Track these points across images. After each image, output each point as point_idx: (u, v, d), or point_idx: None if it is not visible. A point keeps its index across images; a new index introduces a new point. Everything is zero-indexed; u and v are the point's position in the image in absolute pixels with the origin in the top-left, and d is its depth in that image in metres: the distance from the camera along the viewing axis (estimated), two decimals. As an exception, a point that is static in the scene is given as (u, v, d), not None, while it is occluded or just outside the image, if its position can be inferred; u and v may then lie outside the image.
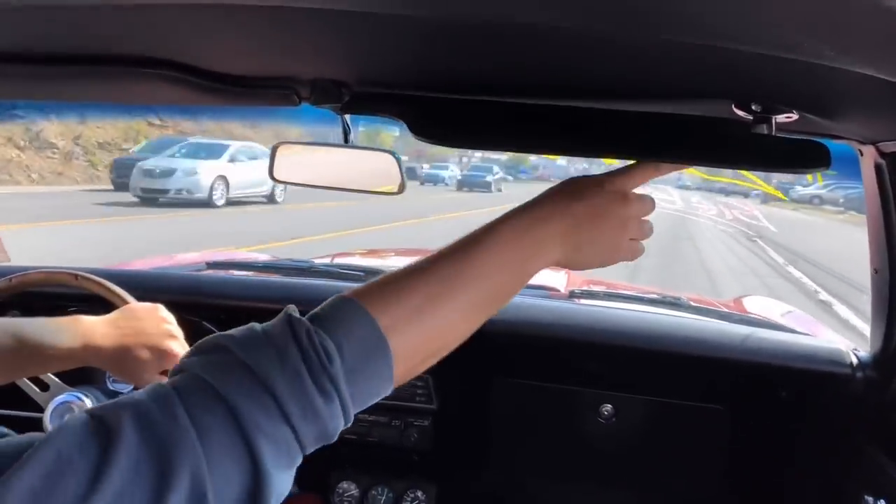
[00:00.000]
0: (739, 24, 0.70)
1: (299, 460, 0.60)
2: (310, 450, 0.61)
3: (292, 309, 0.66)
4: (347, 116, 1.40)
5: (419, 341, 0.69)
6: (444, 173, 32.07)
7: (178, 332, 1.25)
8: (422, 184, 28.93)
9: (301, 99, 1.34)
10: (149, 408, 0.54)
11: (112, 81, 1.25)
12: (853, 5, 0.62)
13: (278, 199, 15.89)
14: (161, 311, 1.25)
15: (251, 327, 0.64)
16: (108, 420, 0.53)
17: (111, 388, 1.84)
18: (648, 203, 0.90)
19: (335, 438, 0.63)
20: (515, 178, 37.44)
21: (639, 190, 0.95)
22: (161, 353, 1.20)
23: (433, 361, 0.73)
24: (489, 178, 29.57)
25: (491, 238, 0.74)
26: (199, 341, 0.64)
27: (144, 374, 1.20)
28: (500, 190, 28.61)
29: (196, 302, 1.83)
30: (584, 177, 0.87)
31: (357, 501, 1.87)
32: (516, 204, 0.82)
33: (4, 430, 0.59)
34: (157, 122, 18.06)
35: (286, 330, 0.61)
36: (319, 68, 1.29)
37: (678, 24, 0.72)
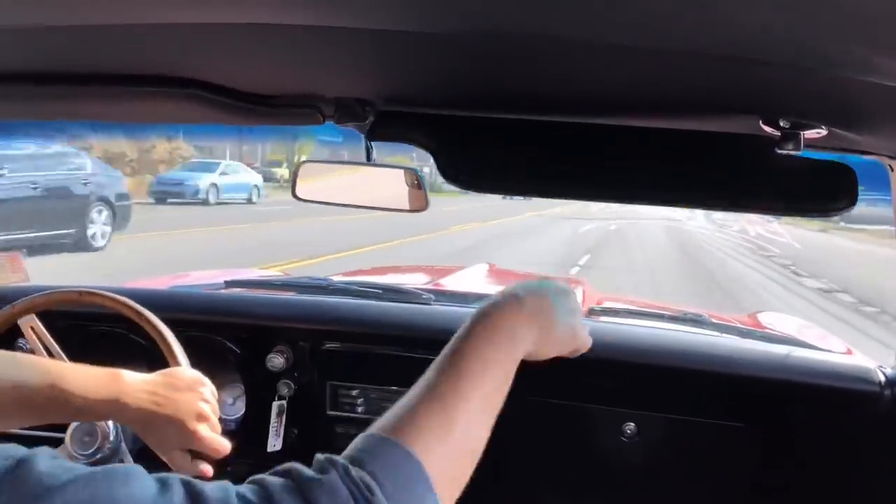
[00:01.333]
0: (771, 37, 0.70)
1: None
2: None
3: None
4: None
5: (451, 461, 0.73)
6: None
7: (214, 411, 1.20)
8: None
9: (325, 118, 1.35)
10: None
11: (138, 100, 1.25)
12: (888, 17, 0.62)
13: (254, 201, 20.48)
14: (204, 386, 1.21)
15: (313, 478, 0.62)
16: None
17: None
18: None
19: None
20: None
21: None
22: (189, 435, 1.15)
23: (469, 473, 0.77)
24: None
25: (469, 345, 0.80)
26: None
27: (166, 448, 1.15)
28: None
29: (216, 321, 1.83)
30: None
31: None
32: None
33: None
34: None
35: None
36: (343, 87, 1.29)
37: (708, 37, 0.72)
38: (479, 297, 2.10)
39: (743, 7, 0.64)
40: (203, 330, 1.78)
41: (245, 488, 0.59)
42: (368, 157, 1.43)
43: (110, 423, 1.46)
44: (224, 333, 1.80)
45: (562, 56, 0.92)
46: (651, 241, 16.45)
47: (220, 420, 1.88)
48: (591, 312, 1.92)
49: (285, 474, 0.62)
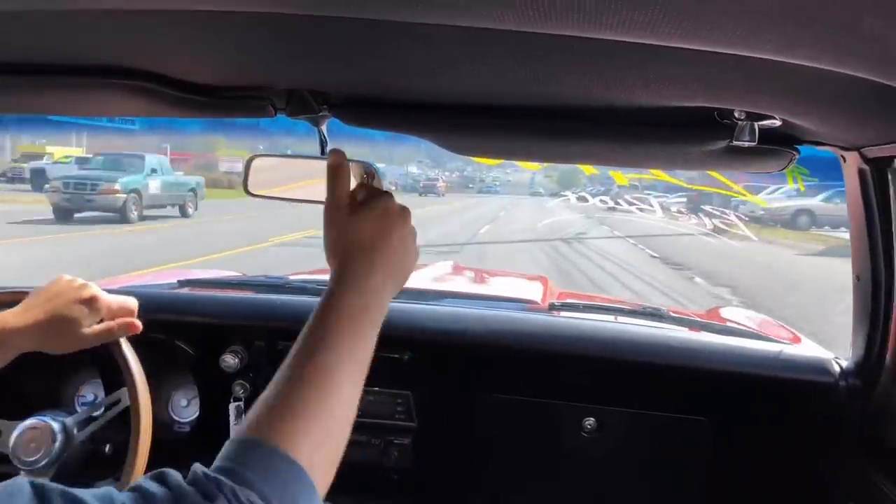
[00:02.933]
0: (724, 24, 0.69)
1: None
2: None
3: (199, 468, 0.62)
4: (324, 127, 1.37)
5: (327, 451, 0.71)
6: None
7: (90, 288, 1.27)
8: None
9: (277, 110, 1.31)
10: None
11: (81, 93, 1.21)
12: (845, 3, 0.61)
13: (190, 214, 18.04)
14: (62, 276, 1.28)
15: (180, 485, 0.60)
16: None
17: (78, 409, 1.78)
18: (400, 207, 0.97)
19: None
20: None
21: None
22: (87, 302, 1.24)
23: (342, 448, 0.75)
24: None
25: (334, 314, 0.78)
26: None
27: (83, 329, 1.24)
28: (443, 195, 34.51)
29: (169, 321, 1.78)
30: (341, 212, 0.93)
31: None
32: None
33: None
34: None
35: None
36: (296, 79, 1.26)
37: (664, 28, 0.70)
38: (439, 295, 2.08)
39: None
40: (155, 330, 1.73)
41: (125, 496, 0.57)
42: (322, 151, 1.40)
43: (55, 426, 1.41)
44: (176, 334, 1.75)
45: (523, 49, 0.91)
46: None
47: (174, 423, 1.84)
48: (552, 308, 1.91)
49: (160, 481, 0.60)
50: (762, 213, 16.05)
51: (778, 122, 1.11)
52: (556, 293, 2.39)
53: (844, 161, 1.28)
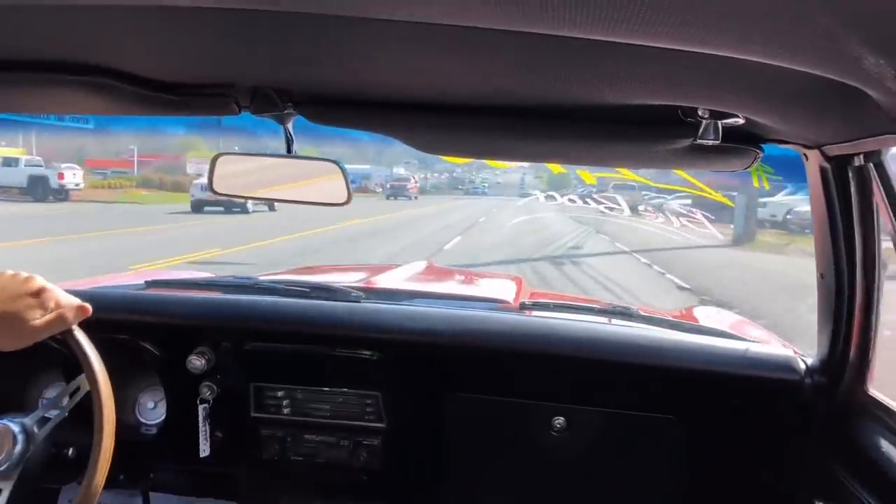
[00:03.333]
0: (686, 22, 0.69)
1: None
2: None
3: None
4: (290, 125, 1.36)
5: None
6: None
7: (37, 281, 1.25)
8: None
9: (241, 108, 1.30)
10: None
11: (36, 90, 1.18)
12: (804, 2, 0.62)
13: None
14: (4, 271, 1.26)
15: None
16: None
17: (44, 415, 1.75)
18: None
19: None
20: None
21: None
22: (34, 294, 1.22)
23: None
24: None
25: None
26: None
27: (33, 322, 1.22)
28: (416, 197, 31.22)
29: (135, 321, 1.76)
30: None
31: None
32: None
33: None
34: None
35: None
36: (261, 76, 1.25)
37: (625, 25, 0.70)
38: (411, 295, 2.07)
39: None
40: (120, 331, 1.71)
41: None
42: (289, 149, 1.39)
43: (15, 427, 1.38)
44: (143, 335, 1.73)
45: (492, 48, 0.91)
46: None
47: (141, 425, 1.82)
48: (522, 307, 1.91)
49: None
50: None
51: (741, 121, 1.12)
52: (528, 293, 2.39)
53: (807, 159, 1.29)
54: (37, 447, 1.41)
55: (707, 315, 2.44)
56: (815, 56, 0.75)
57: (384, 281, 2.31)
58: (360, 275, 2.46)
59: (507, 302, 2.04)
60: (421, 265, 2.95)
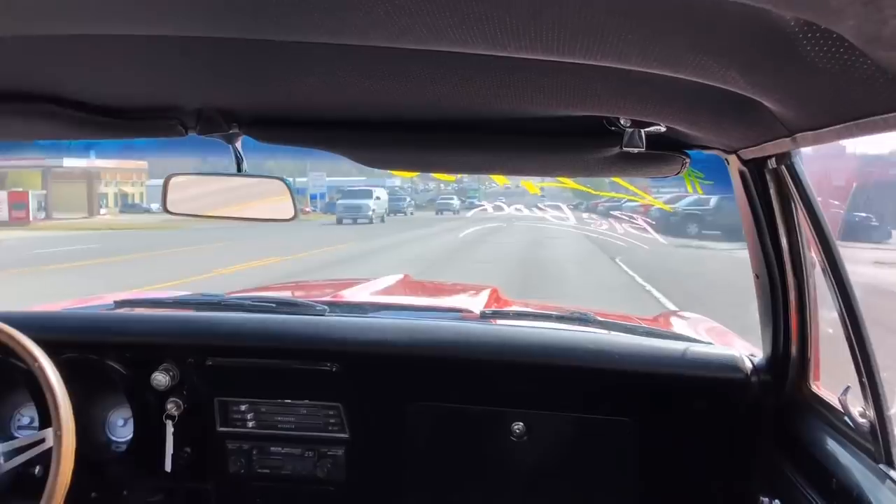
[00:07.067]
0: (606, 41, 0.75)
1: None
2: None
3: None
4: (239, 144, 1.41)
5: None
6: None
7: None
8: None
9: (187, 129, 1.34)
10: None
11: None
12: (714, 24, 0.68)
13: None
14: None
15: None
16: None
17: (15, 434, 1.78)
18: None
19: None
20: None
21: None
22: None
23: None
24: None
25: None
26: None
27: None
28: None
29: (101, 341, 1.79)
30: None
31: None
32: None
33: None
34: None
35: None
36: (204, 98, 1.29)
37: (552, 45, 0.76)
38: (375, 307, 2.11)
39: (569, 16, 0.69)
40: (87, 351, 1.74)
41: None
42: (239, 168, 1.43)
43: None
44: (109, 354, 1.76)
45: (426, 65, 0.96)
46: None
47: (111, 443, 1.85)
48: (483, 316, 1.95)
49: None
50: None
51: (663, 129, 1.17)
52: (502, 303, 2.43)
53: (728, 164, 1.34)
54: (2, 473, 1.45)
55: (682, 321, 2.46)
56: (706, 72, 0.81)
57: (352, 294, 2.34)
58: (330, 290, 2.49)
59: (470, 311, 2.07)
60: (396, 278, 2.99)
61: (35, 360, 1.43)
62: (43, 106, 1.17)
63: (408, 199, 32.41)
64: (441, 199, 32.80)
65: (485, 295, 2.54)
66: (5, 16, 0.78)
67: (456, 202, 31.07)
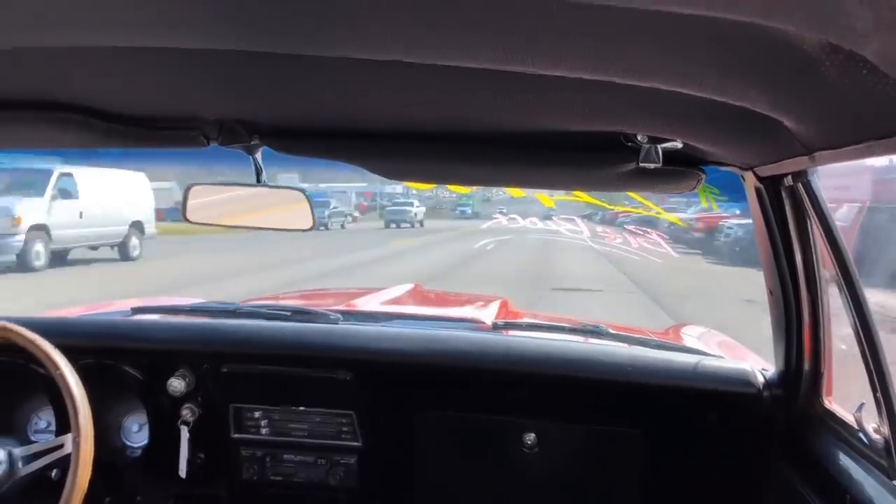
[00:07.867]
0: (631, 61, 0.77)
1: None
2: None
3: None
4: (259, 156, 1.43)
5: None
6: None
7: None
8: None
9: (209, 140, 1.37)
10: None
11: (11, 127, 1.25)
12: (736, 48, 0.69)
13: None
14: None
15: None
16: None
17: (32, 438, 1.80)
18: None
19: None
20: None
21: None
22: None
23: None
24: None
25: None
26: None
27: None
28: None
29: (118, 347, 1.81)
30: None
31: None
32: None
33: None
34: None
35: None
36: (226, 110, 1.32)
37: (574, 61, 0.78)
38: (388, 316, 2.12)
39: (591, 33, 0.71)
40: (104, 357, 1.77)
41: None
42: (258, 178, 1.45)
43: (1, 454, 1.44)
44: (125, 360, 1.78)
45: (441, 82, 0.98)
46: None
47: (127, 448, 1.87)
48: (495, 327, 1.96)
49: None
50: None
51: (679, 145, 1.18)
52: (513, 314, 2.44)
53: (744, 181, 1.35)
54: (19, 477, 1.46)
55: (693, 335, 2.47)
56: (726, 91, 0.83)
57: (365, 303, 2.36)
58: (345, 298, 2.51)
59: (483, 322, 2.09)
60: (407, 287, 3.00)
61: (57, 367, 1.46)
62: (70, 115, 1.19)
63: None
64: (394, 207, 26.66)
65: (495, 306, 2.55)
66: (35, 28, 0.80)
67: (414, 209, 25.84)
